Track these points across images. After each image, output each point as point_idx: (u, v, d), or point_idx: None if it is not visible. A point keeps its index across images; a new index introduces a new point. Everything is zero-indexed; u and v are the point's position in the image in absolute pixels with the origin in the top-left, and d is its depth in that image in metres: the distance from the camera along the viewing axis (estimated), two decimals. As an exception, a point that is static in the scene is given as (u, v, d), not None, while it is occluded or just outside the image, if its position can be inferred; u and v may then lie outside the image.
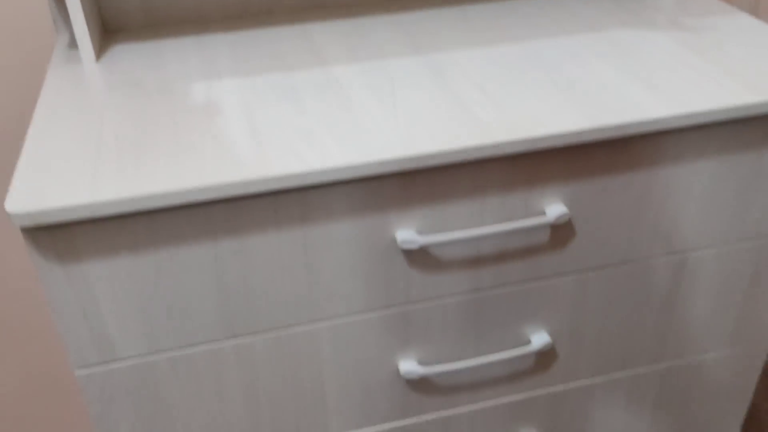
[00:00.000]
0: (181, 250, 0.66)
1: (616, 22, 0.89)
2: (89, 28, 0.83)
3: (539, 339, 0.82)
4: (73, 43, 0.88)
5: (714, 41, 0.83)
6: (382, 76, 0.78)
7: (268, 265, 0.69)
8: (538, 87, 0.74)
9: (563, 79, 0.76)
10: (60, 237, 0.62)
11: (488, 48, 0.83)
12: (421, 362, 0.81)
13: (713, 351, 0.93)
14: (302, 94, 0.75)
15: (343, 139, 0.67)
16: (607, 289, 0.82)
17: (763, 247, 0.84)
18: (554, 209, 0.73)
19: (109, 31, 0.92)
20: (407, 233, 0.70)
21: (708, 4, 0.94)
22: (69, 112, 0.73)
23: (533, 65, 0.79)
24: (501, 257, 0.76)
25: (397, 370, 0.81)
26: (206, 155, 0.65)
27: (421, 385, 0.83)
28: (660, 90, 0.73)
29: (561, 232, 0.76)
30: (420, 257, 0.73)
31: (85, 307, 0.66)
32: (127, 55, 0.85)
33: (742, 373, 0.97)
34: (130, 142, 0.67)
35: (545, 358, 0.86)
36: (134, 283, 0.66)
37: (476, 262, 0.75)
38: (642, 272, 0.82)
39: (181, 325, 0.70)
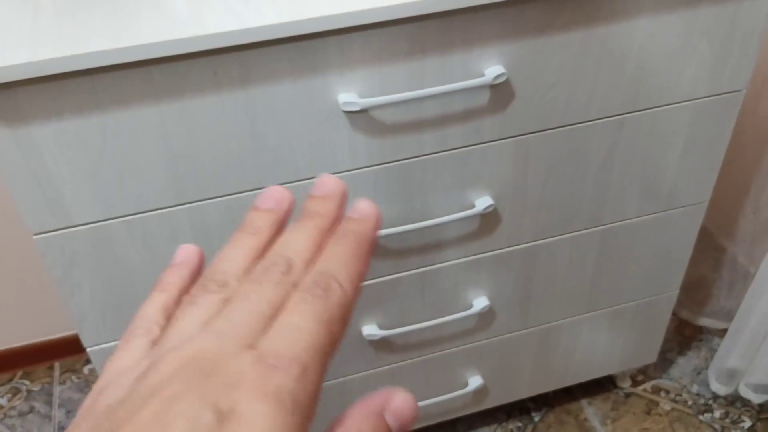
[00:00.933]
0: (126, 112, 0.67)
1: None
2: None
3: (482, 202, 0.86)
4: None
5: None
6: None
7: (212, 130, 0.71)
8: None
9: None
10: (4, 98, 0.63)
11: None
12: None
13: (651, 212, 0.97)
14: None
15: (281, -1, 0.67)
16: (547, 152, 0.85)
17: (696, 108, 0.87)
18: (493, 70, 0.75)
19: None
20: (348, 95, 0.72)
21: None
22: (5, -21, 0.72)
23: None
24: (442, 120, 0.78)
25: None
26: (143, 14, 0.65)
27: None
28: (596, -52, 0.74)
29: (500, 94, 0.78)
30: (363, 121, 0.75)
31: (37, 172, 0.68)
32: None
33: (681, 233, 1.02)
34: (66, 4, 0.67)
35: (489, 221, 0.90)
36: (82, 146, 0.68)
37: (418, 125, 0.78)
38: (581, 135, 0.85)
39: (133, 191, 0.73)
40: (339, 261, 0.24)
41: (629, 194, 0.94)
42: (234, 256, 0.25)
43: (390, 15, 0.67)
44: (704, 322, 1.37)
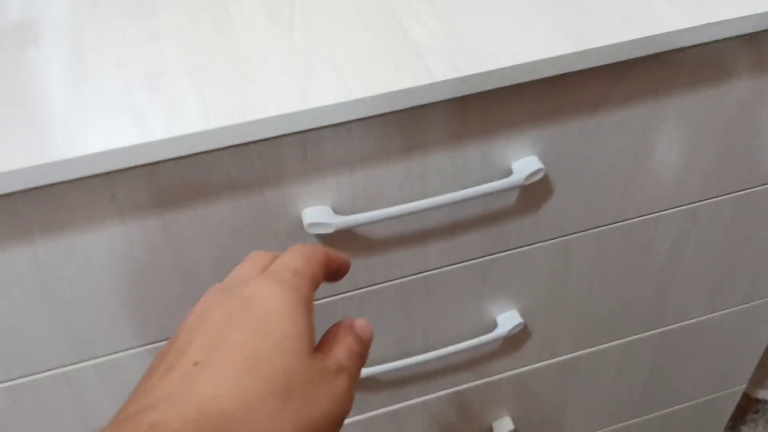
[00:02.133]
0: (-18, 259, 0.45)
1: None
2: None
3: (508, 320, 0.64)
4: None
5: None
6: (279, -23, 0.54)
7: (119, 268, 0.48)
8: (500, -13, 0.51)
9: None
10: None
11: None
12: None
13: (723, 309, 0.75)
14: (159, 6, 0.51)
15: (210, 82, 0.44)
16: (595, 253, 0.63)
17: (800, 192, 0.65)
18: (524, 164, 0.52)
19: None
20: (317, 211, 0.50)
21: None
22: None
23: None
24: (453, 229, 0.56)
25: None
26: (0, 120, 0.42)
27: (364, 384, 0.65)
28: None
29: (533, 192, 0.55)
30: (341, 239, 0.53)
31: None
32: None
33: (757, 326, 0.80)
34: None
35: (516, 338, 0.68)
36: None
37: (421, 237, 0.55)
38: (640, 230, 0.63)
39: (16, 352, 0.51)
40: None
41: (697, 292, 0.72)
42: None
43: (375, 110, 0.44)
44: (763, 394, 1.16)
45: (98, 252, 0.47)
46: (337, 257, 0.36)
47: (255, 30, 0.49)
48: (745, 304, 0.76)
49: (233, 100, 0.43)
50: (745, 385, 0.89)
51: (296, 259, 0.33)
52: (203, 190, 0.46)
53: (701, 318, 0.75)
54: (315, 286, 0.32)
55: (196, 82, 0.44)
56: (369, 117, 0.45)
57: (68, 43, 0.48)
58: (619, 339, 0.73)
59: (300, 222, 0.50)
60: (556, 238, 0.60)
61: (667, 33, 0.47)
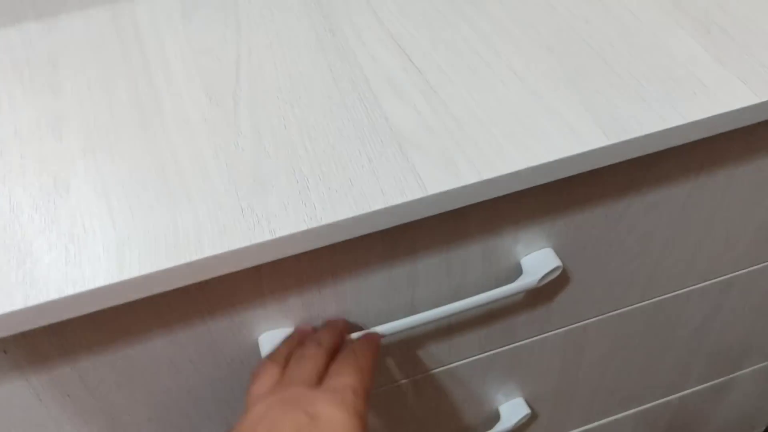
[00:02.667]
0: None
1: None
2: None
3: (513, 411, 0.55)
4: None
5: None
6: (226, 27, 0.42)
7: (27, 421, 0.38)
8: (516, 60, 0.40)
9: (555, 32, 0.41)
10: None
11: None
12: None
13: (750, 366, 0.67)
14: (65, 72, 0.40)
15: (121, 205, 0.33)
16: (612, 336, 0.53)
17: None
18: (537, 261, 0.42)
19: None
20: (278, 335, 0.39)
21: None
22: None
23: (506, 14, 0.44)
24: (448, 332, 0.46)
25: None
26: None
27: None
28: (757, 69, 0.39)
29: (547, 285, 0.45)
30: (311, 355, 0.42)
31: None
32: None
33: (780, 377, 0.72)
34: None
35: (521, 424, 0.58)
36: None
37: (407, 345, 0.45)
38: (667, 308, 0.53)
39: None
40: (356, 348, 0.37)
41: (725, 355, 0.63)
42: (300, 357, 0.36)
43: (344, 235, 0.33)
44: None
45: (5, 411, 0.37)
46: (376, 360, 0.37)
47: (188, 119, 0.37)
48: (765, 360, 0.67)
49: (158, 232, 0.32)
50: (762, 429, 0.82)
51: (353, 374, 0.34)
52: (132, 330, 0.36)
53: (726, 378, 0.66)
54: (369, 399, 0.35)
55: (109, 205, 0.33)
56: (341, 241, 0.34)
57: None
58: (634, 408, 0.64)
59: (256, 347, 0.40)
60: (569, 325, 0.50)
61: (733, 112, 0.36)
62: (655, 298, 0.51)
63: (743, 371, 0.67)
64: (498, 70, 0.38)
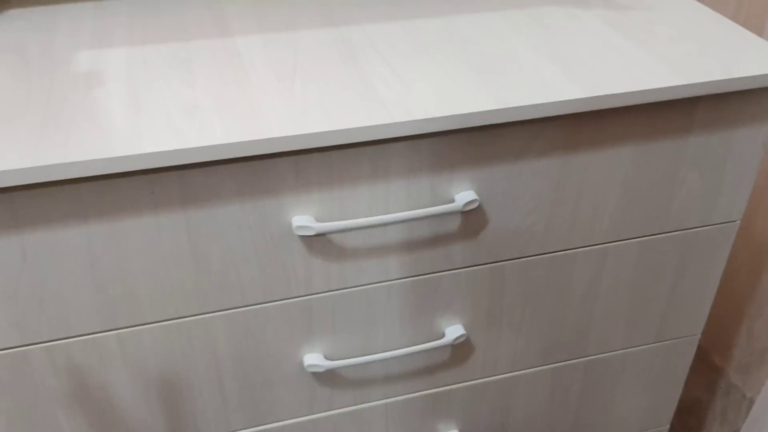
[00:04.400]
0: (49, 233, 0.60)
1: (545, 0, 0.84)
2: (-26, -10, 0.76)
3: (453, 331, 0.78)
4: (-41, 7, 0.81)
5: (644, 21, 0.79)
6: (287, 50, 0.72)
7: (148, 252, 0.63)
8: (450, 65, 0.69)
9: (478, 56, 0.71)
10: None
11: (405, 21, 0.78)
12: (327, 356, 0.76)
13: (639, 344, 0.89)
14: (196, 66, 0.69)
15: (231, 115, 0.61)
16: (525, 280, 0.78)
17: (687, 238, 0.81)
18: (463, 195, 0.68)
19: (4, -6, 0.85)
20: (303, 219, 0.65)
21: (644, -18, 0.89)
22: (-65, 79, 0.66)
23: (449, 41, 0.74)
24: (409, 246, 0.71)
25: (302, 364, 0.76)
26: (75, 129, 0.59)
27: (328, 378, 0.78)
28: (578, 71, 0.68)
29: (472, 220, 0.71)
30: (320, 245, 0.68)
31: (-57, 294, 0.60)
32: (17, 20, 0.79)
33: (671, 367, 0.94)
34: (-6, 113, 0.61)
35: (461, 351, 0.81)
36: (-2, 268, 0.60)
37: (383, 250, 0.71)
38: (561, 263, 0.78)
39: (55, 316, 0.65)
40: None
41: (615, 325, 0.86)
42: None
43: (351, 138, 0.61)
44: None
45: (135, 237, 0.62)
46: None
47: (265, 85, 0.66)
48: (658, 342, 0.90)
49: (247, 126, 0.60)
50: (667, 426, 1.01)
51: None
52: (218, 194, 0.62)
53: (621, 351, 0.89)
54: None
55: (221, 115, 0.61)
56: (345, 145, 0.61)
57: (125, 87, 0.66)
58: (550, 363, 0.87)
59: (290, 226, 0.66)
60: (492, 263, 0.75)
61: (567, 101, 0.64)
62: (550, 252, 0.76)
63: (634, 348, 0.89)
64: (441, 68, 0.67)
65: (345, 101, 0.63)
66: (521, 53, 0.71)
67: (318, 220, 0.66)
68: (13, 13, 0.80)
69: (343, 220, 0.67)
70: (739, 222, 0.81)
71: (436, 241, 0.72)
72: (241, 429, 0.79)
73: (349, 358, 0.76)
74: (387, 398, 0.83)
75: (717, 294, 1.28)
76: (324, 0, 0.84)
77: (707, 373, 1.28)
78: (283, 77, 0.67)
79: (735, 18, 1.11)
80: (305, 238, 0.67)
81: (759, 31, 1.01)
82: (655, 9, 0.82)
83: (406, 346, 0.78)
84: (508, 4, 0.82)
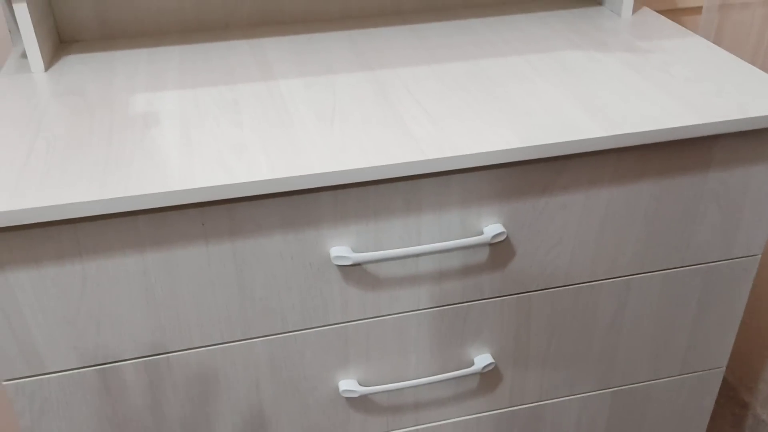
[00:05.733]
0: (108, 261, 0.65)
1: (567, 44, 0.89)
2: (41, 39, 0.83)
3: (482, 360, 0.81)
4: (26, 53, 0.88)
5: (662, 63, 0.83)
6: (326, 91, 0.78)
7: (197, 280, 0.68)
8: (478, 105, 0.74)
9: (504, 97, 0.76)
10: (-20, 245, 0.61)
11: (435, 65, 0.83)
12: (361, 381, 0.80)
13: (664, 376, 0.92)
14: (242, 107, 0.75)
15: (276, 152, 0.66)
16: (551, 311, 0.81)
17: (709, 272, 0.83)
18: (491, 228, 0.72)
19: (64, 41, 0.92)
20: (341, 249, 0.70)
21: (663, 27, 0.94)
22: (6, 119, 0.73)
23: (477, 83, 0.79)
24: (440, 276, 0.75)
25: (337, 389, 0.80)
26: (134, 165, 0.64)
27: (362, 404, 0.82)
28: (599, 110, 0.73)
29: (500, 252, 0.75)
30: (356, 274, 0.72)
31: (10, 318, 0.66)
32: (78, 65, 0.85)
33: (697, 398, 0.96)
34: (61, 150, 0.67)
35: (490, 379, 0.84)
36: (60, 294, 0.65)
37: (414, 280, 0.74)
38: (586, 295, 0.81)
39: (110, 339, 0.69)
40: None
41: (639, 357, 0.89)
42: None
43: (386, 174, 0.65)
44: None
45: (186, 265, 0.67)
46: None
47: (306, 125, 0.71)
48: (683, 374, 0.92)
49: (290, 162, 0.65)
50: (696, 458, 1.03)
51: None
52: (263, 225, 0.67)
53: (646, 383, 0.91)
54: None
55: (266, 152, 0.66)
56: (380, 180, 0.66)
57: (179, 126, 0.71)
58: (577, 393, 0.89)
59: (328, 256, 0.70)
60: (519, 293, 0.79)
61: (589, 139, 0.68)
62: (575, 284, 0.80)
63: (659, 380, 0.91)
64: (473, 110, 0.72)
65: (380, 139, 0.68)
66: (545, 94, 0.76)
67: (354, 250, 0.70)
68: (74, 58, 0.87)
69: (378, 251, 0.71)
70: (759, 256, 0.84)
71: (465, 272, 0.75)
72: (277, 452, 0.82)
73: (382, 384, 0.80)
74: (418, 425, 0.86)
75: (743, 328, 1.29)
76: (359, 46, 0.89)
77: (734, 408, 1.29)
78: (323, 117, 0.72)
79: (753, 61, 1.15)
80: (342, 268, 0.71)
81: (777, 72, 1.05)
82: (673, 52, 0.86)
83: (437, 374, 0.81)
84: (532, 49, 0.87)
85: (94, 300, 0.67)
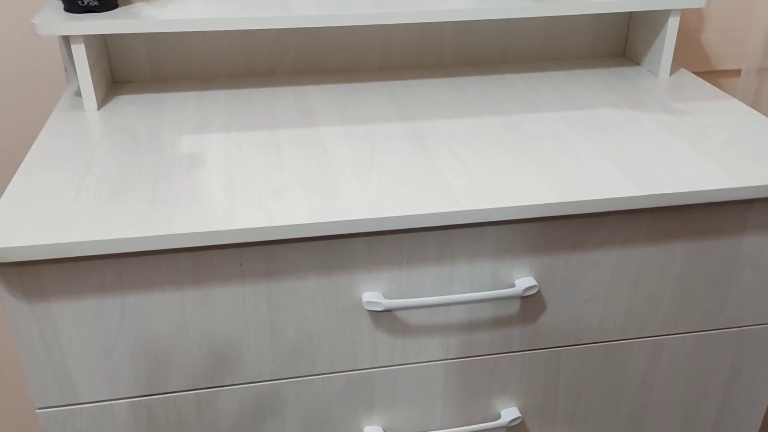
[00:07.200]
0: (148, 296, 0.67)
1: (604, 102, 0.90)
2: (95, 79, 0.87)
3: (509, 414, 0.81)
4: (80, 91, 0.93)
5: (699, 125, 0.84)
6: (365, 140, 0.80)
7: (231, 318, 0.70)
8: (513, 159, 0.75)
9: (540, 152, 0.77)
10: (28, 274, 0.63)
11: (473, 119, 0.85)
12: (386, 428, 0.80)
13: (695, 441, 0.90)
14: (285, 151, 0.77)
15: (314, 197, 0.68)
16: (580, 368, 0.81)
17: (743, 336, 0.82)
18: (523, 281, 0.73)
19: (117, 82, 0.96)
20: (373, 295, 0.71)
21: (701, 89, 0.95)
22: (59, 154, 0.76)
23: (513, 138, 0.80)
24: (470, 327, 0.75)
25: (362, 435, 0.80)
26: (179, 204, 0.67)
27: (386, 451, 0.81)
28: (635, 169, 0.73)
29: (531, 306, 0.75)
30: (387, 320, 0.73)
31: (49, 347, 0.67)
32: (129, 105, 0.89)
33: (728, 467, 0.93)
34: (110, 187, 0.70)
35: (516, 434, 0.84)
36: (99, 325, 0.67)
37: (444, 329, 0.75)
38: (617, 353, 0.80)
39: (143, 373, 0.71)
40: None
41: (669, 420, 0.87)
42: None
43: (421, 223, 0.66)
44: None
45: (221, 304, 0.69)
46: None
47: (345, 172, 0.73)
48: (715, 439, 0.90)
49: (328, 208, 0.66)
50: None
51: None
52: (298, 268, 0.68)
53: (676, 445, 0.89)
54: None
55: (306, 197, 0.68)
56: (415, 229, 0.67)
57: (223, 168, 0.74)
58: (604, 453, 0.88)
59: (360, 301, 0.71)
60: (548, 348, 0.79)
61: (624, 198, 0.69)
62: (605, 341, 0.79)
63: (690, 444, 0.90)
64: (505, 163, 0.73)
65: (416, 188, 0.70)
66: (581, 151, 0.77)
67: (386, 296, 0.71)
68: (126, 98, 0.91)
69: (410, 298, 0.72)
70: (795, 321, 0.83)
71: (495, 323, 0.76)
72: (299, 495, 0.82)
73: (407, 431, 0.80)
74: (441, 476, 0.85)
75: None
76: (399, 97, 0.92)
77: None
78: (362, 164, 0.74)
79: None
80: (373, 313, 0.72)
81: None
82: (710, 114, 0.87)
83: (463, 425, 0.81)
84: (568, 106, 0.89)
85: (131, 333, 0.68)
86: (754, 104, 1.15)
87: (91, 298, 0.66)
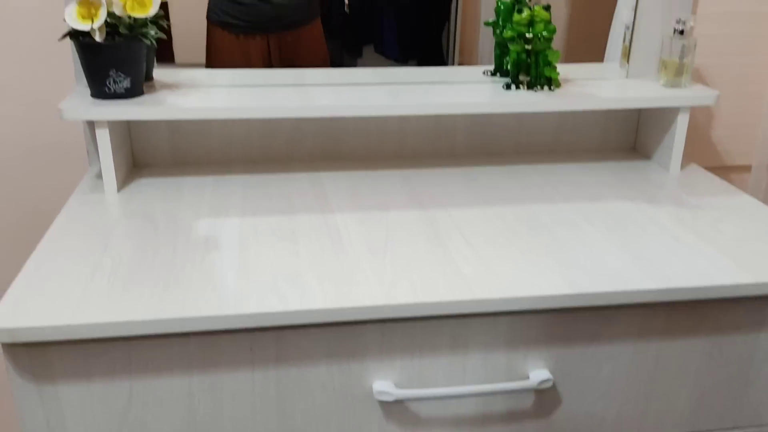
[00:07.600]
0: (156, 380, 0.66)
1: (617, 195, 0.91)
2: (117, 162, 0.89)
3: None
4: (101, 173, 0.95)
5: (712, 220, 0.84)
6: (380, 227, 0.80)
7: (239, 404, 0.68)
8: (527, 249, 0.75)
9: (554, 243, 0.77)
10: (37, 356, 0.63)
11: (486, 208, 0.86)
12: None
13: None
14: (299, 236, 0.78)
15: (327, 283, 0.68)
16: (596, 466, 0.78)
17: (765, 435, 0.80)
18: (538, 374, 0.71)
19: (138, 165, 0.99)
20: (384, 384, 0.69)
21: (711, 184, 0.96)
22: (77, 235, 0.77)
23: (527, 227, 0.81)
24: (483, 420, 0.73)
25: None
26: (192, 287, 0.67)
27: None
28: (649, 262, 0.73)
29: (546, 399, 0.74)
30: (397, 411, 0.71)
31: (54, 429, 0.66)
32: (149, 188, 0.91)
33: None
34: (125, 269, 0.70)
35: None
36: (105, 409, 0.66)
37: (456, 422, 0.73)
38: (634, 451, 0.78)
39: (147, 458, 0.69)
40: None
41: None
42: None
43: (434, 311, 0.66)
44: None
45: (230, 389, 0.68)
46: None
47: (359, 258, 0.73)
48: None
49: (342, 294, 0.66)
50: None
51: None
52: (309, 355, 0.68)
53: None
54: None
55: (320, 283, 0.68)
56: (428, 317, 0.67)
57: (238, 252, 0.74)
58: None
59: (371, 390, 0.70)
60: (563, 444, 0.76)
61: (640, 291, 0.68)
62: (623, 438, 0.77)
63: None
64: (515, 252, 0.73)
65: (430, 276, 0.70)
66: (594, 242, 0.77)
67: (397, 385, 0.70)
68: (145, 182, 0.93)
69: (422, 387, 0.70)
70: (819, 423, 0.80)
71: (509, 417, 0.74)
72: None
73: None
74: None
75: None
76: (413, 185, 0.93)
77: None
78: (376, 252, 0.74)
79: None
80: (384, 403, 0.71)
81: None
82: (721, 209, 0.87)
83: None
84: (581, 197, 0.90)
85: (137, 417, 0.67)
86: (765, 199, 1.16)
87: (98, 381, 0.65)
